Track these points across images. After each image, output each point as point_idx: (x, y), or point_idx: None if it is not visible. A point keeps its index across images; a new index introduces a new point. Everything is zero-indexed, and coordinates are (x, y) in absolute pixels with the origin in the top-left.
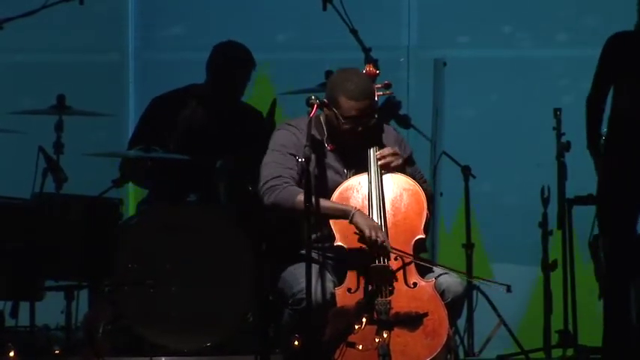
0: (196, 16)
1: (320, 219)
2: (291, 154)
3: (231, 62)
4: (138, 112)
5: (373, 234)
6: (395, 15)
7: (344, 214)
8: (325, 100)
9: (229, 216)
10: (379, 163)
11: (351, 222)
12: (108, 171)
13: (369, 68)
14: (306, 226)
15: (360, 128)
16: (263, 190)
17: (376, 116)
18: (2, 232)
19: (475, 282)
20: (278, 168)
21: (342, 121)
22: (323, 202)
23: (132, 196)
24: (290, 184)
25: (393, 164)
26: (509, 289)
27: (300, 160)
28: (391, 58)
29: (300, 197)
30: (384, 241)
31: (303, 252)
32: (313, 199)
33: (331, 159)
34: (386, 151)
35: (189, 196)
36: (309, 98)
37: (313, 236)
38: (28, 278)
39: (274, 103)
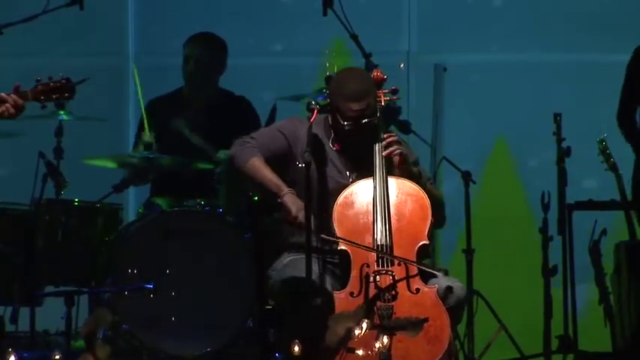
0: (196, 21)
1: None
2: (280, 132)
3: (188, 52)
4: (138, 117)
5: (300, 215)
6: (395, 20)
7: (277, 189)
8: (328, 102)
9: (229, 221)
10: (383, 153)
11: (280, 200)
12: (108, 176)
13: (377, 74)
14: (306, 230)
15: (362, 127)
16: (234, 142)
17: (378, 114)
18: (2, 237)
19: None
20: (258, 134)
21: (343, 123)
22: (262, 171)
23: (132, 201)
24: (257, 148)
25: (397, 152)
26: (446, 272)
27: (299, 164)
28: (391, 64)
29: (253, 160)
30: (302, 222)
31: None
32: (256, 164)
33: (335, 158)
34: (390, 138)
35: (189, 201)
36: (310, 103)
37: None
38: (28, 283)
39: (274, 109)
